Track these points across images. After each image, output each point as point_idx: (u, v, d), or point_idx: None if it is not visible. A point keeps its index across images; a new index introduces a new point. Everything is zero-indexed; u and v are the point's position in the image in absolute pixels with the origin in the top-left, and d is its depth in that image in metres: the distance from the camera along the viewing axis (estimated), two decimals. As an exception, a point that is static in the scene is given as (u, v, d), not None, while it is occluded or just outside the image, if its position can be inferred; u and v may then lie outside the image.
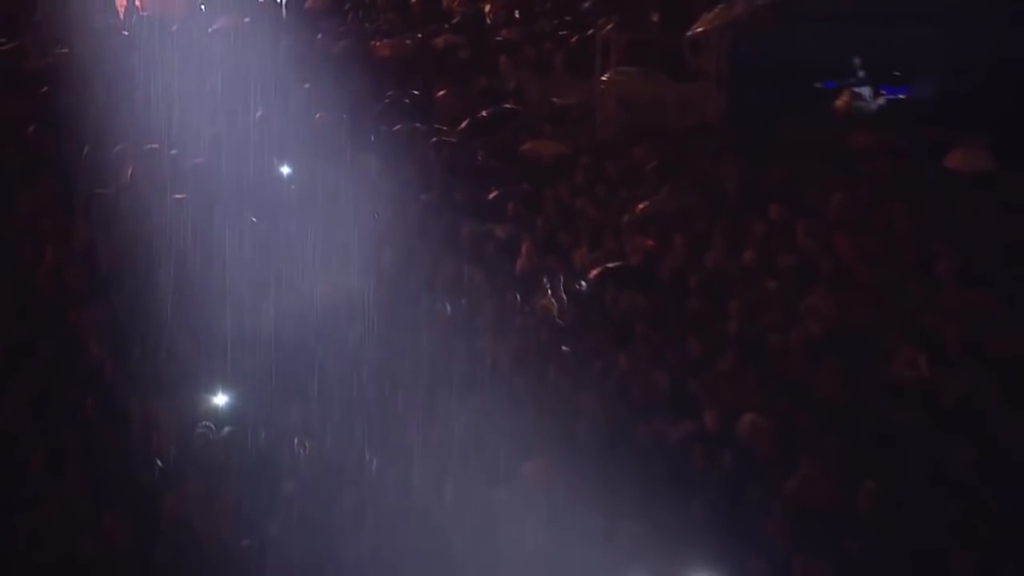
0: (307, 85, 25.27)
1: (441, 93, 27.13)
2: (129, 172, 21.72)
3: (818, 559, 13.97)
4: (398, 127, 24.81)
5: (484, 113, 25.89)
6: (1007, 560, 13.93)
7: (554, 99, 27.39)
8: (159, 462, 15.54)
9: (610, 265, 19.65)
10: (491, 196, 22.15)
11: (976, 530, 14.38)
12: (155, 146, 22.53)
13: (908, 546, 14.27)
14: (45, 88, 25.86)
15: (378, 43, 30.31)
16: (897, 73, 26.12)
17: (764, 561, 13.99)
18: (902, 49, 25.68)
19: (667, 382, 17.07)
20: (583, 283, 19.31)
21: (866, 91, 26.09)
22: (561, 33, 30.79)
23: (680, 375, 17.21)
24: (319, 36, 30.73)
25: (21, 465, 15.43)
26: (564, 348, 17.81)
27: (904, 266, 19.54)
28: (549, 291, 19.10)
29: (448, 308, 18.32)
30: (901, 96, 26.11)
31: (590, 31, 28.73)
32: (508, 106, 26.79)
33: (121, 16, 30.70)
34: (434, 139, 24.39)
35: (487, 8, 33.75)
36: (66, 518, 14.64)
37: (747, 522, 14.78)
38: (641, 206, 21.55)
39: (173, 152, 22.59)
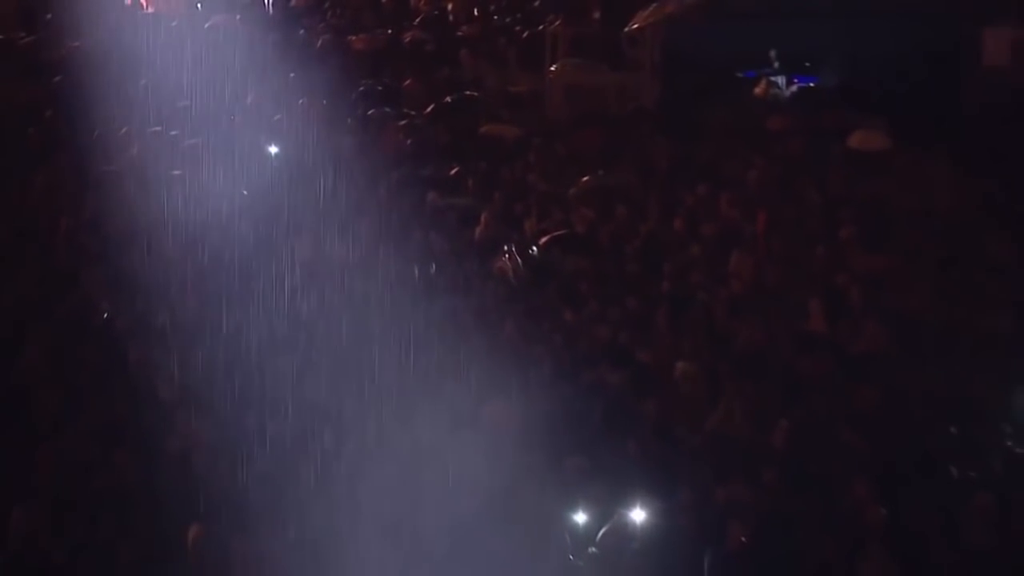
0: (292, 74, 25.25)
1: (408, 82, 27.14)
2: (134, 151, 21.72)
3: (738, 487, 14.07)
4: (372, 111, 24.84)
5: (447, 99, 25.90)
6: (901, 485, 14.05)
7: (508, 87, 27.39)
8: (162, 405, 15.58)
9: (558, 233, 19.70)
10: (453, 172, 22.20)
11: (875, 460, 14.54)
12: (156, 128, 22.53)
13: (816, 475, 14.39)
14: (59, 77, 25.81)
15: (354, 38, 30.24)
16: (807, 64, 26.27)
17: (691, 490, 14.06)
18: (811, 44, 25.84)
19: (608, 335, 17.18)
20: (534, 249, 19.35)
21: (781, 80, 26.26)
22: (515, 29, 30.83)
23: (619, 329, 17.32)
24: (302, 31, 30.75)
25: (41, 407, 15.45)
26: (518, 305, 17.87)
27: (813, 232, 19.65)
28: (505, 255, 19.16)
29: (416, 269, 18.37)
30: (810, 84, 26.23)
31: (540, 27, 28.78)
32: (468, 93, 26.80)
33: (127, 13, 30.59)
34: (403, 122, 24.39)
35: (449, 7, 33.75)
36: (81, 456, 14.67)
37: (676, 456, 14.90)
38: (585, 181, 21.61)
39: (172, 134, 22.60)
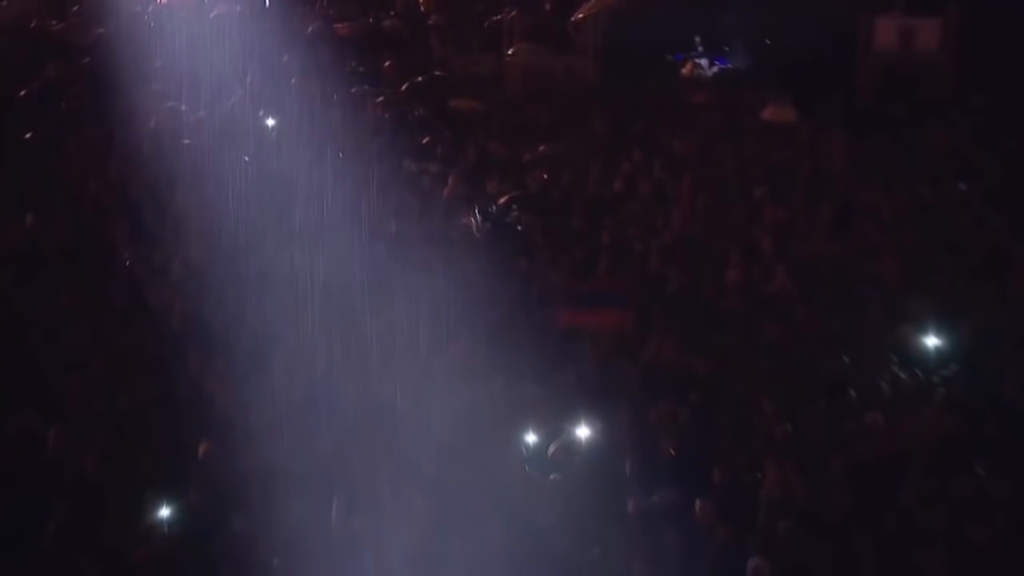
0: (285, 57, 25.16)
1: (387, 64, 27.06)
2: (151, 123, 21.67)
3: (668, 407, 14.22)
4: (354, 89, 24.78)
5: (419, 78, 25.83)
6: (802, 405, 14.23)
7: (472, 68, 27.34)
8: (176, 338, 15.68)
9: (515, 193, 19.75)
10: (425, 141, 22.18)
11: (781, 381, 14.71)
12: (170, 103, 22.47)
13: (732, 395, 14.57)
14: (87, 59, 25.68)
15: (339, 25, 30.10)
16: (726, 48, 26.29)
17: (629, 411, 14.22)
18: (730, 31, 25.87)
19: (558, 280, 17.26)
20: (495, 206, 19.40)
21: (704, 62, 26.27)
22: (477, 18, 30.70)
23: (567, 275, 17.40)
24: (295, 20, 30.58)
25: (72, 340, 15.51)
26: (480, 254, 17.92)
27: (731, 191, 19.74)
28: (469, 212, 19.20)
29: (393, 224, 18.40)
30: (729, 65, 26.27)
31: (498, 17, 28.70)
32: (437, 73, 26.74)
33: (144, 4, 30.40)
34: (381, 98, 24.34)
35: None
36: (107, 381, 14.75)
37: (615, 382, 15.02)
38: (539, 149, 21.65)
39: (183, 108, 22.55)
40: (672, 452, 13.60)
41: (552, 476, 13.24)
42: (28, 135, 21.36)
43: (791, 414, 14.00)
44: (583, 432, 13.65)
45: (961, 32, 24.42)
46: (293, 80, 23.95)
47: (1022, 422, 13.71)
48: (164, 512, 12.48)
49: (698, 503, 12.68)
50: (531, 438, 13.70)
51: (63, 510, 12.61)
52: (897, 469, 13.11)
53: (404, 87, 25.06)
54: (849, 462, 13.29)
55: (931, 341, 14.98)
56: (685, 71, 26.06)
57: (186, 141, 20.70)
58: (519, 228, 18.78)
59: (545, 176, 20.61)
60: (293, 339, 15.52)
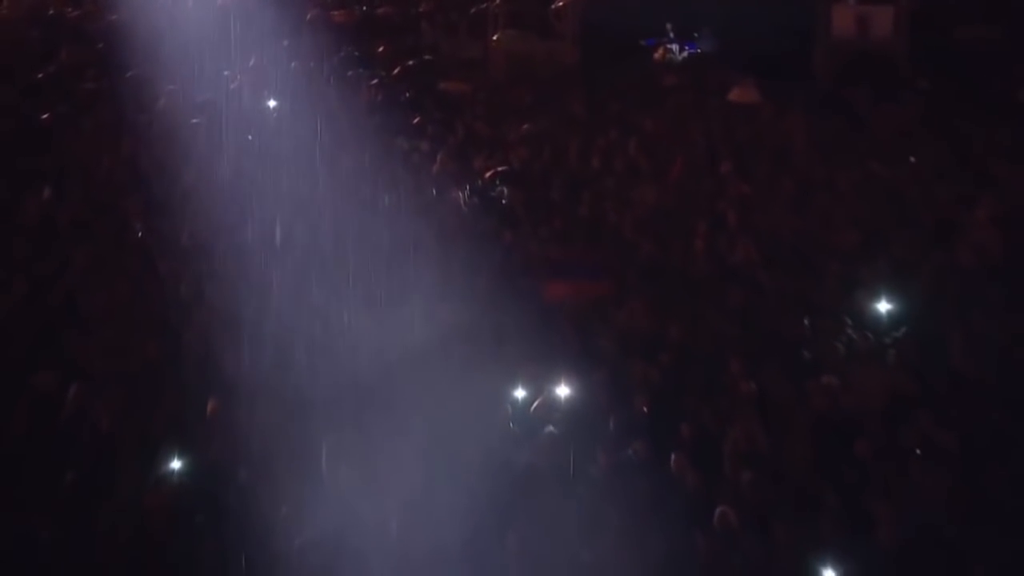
0: (285, 42, 25.07)
1: (380, 49, 26.97)
2: (161, 103, 21.60)
3: (641, 367, 14.26)
4: (350, 72, 24.70)
5: (410, 62, 25.75)
6: (766, 365, 14.28)
7: (459, 53, 27.26)
8: (185, 304, 15.70)
9: (499, 168, 19.72)
10: (415, 121, 22.11)
11: (746, 343, 14.75)
12: (178, 86, 22.39)
13: (701, 355, 14.61)
14: (101, 44, 25.54)
15: (336, 13, 29.97)
16: (695, 35, 26.26)
17: (606, 370, 14.26)
18: (699, 18, 25.83)
19: (539, 249, 17.26)
20: (480, 181, 19.38)
21: (675, 47, 26.23)
22: (464, 5, 30.57)
23: (548, 244, 17.41)
24: (294, 8, 30.42)
25: (87, 306, 15.51)
26: (468, 226, 17.93)
27: (700, 167, 19.74)
28: (457, 187, 19.18)
29: (386, 197, 18.37)
30: (698, 50, 26.24)
31: (484, 4, 28.61)
32: (427, 57, 26.65)
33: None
34: (375, 81, 24.26)
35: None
36: (120, 344, 14.79)
37: (592, 344, 15.05)
38: (522, 128, 21.60)
39: (191, 90, 22.46)
40: (645, 409, 13.64)
41: (533, 431, 13.26)
42: (45, 115, 21.25)
43: (755, 373, 14.05)
44: (563, 390, 13.68)
45: (912, 19, 24.40)
46: (293, 64, 23.83)
47: (966, 381, 13.79)
48: (174, 464, 12.52)
49: (672, 455, 12.75)
50: (516, 395, 13.73)
51: (81, 463, 12.67)
52: (852, 424, 13.18)
53: (396, 71, 24.95)
54: (809, 417, 13.38)
55: (884, 306, 15.03)
56: (657, 55, 26.01)
57: (193, 121, 20.60)
58: (503, 201, 18.74)
59: (527, 153, 20.47)
60: (292, 302, 15.51)
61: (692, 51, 26.08)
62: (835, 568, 11.30)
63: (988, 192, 17.33)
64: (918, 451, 12.65)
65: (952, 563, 11.40)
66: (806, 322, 15.08)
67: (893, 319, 14.91)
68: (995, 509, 11.98)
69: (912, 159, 19.07)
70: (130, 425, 13.26)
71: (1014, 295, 15.05)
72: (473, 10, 28.53)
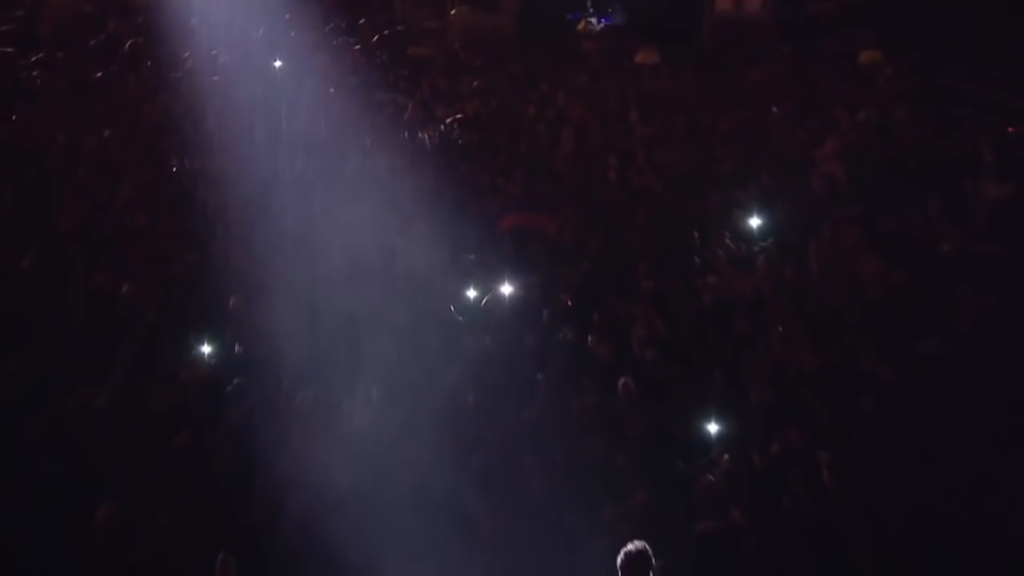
0: (287, 15, 24.61)
1: (361, 22, 26.52)
2: (189, 63, 21.22)
3: (568, 271, 14.29)
4: (337, 40, 24.32)
5: (386, 32, 25.37)
6: (663, 269, 14.27)
7: (424, 24, 26.86)
8: (211, 223, 15.56)
9: (457, 116, 19.53)
10: (390, 78, 21.87)
11: (649, 253, 14.73)
12: (203, 48, 22.00)
13: (613, 261, 14.60)
14: (141, 16, 24.90)
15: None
16: (610, 10, 25.97)
17: (539, 274, 14.27)
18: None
19: (488, 181, 17.14)
20: (442, 127, 19.21)
21: (593, 20, 25.95)
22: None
23: (492, 177, 17.31)
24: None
25: (134, 223, 15.39)
26: (430, 159, 17.79)
27: (612, 115, 19.64)
28: (423, 130, 19.04)
29: (367, 140, 18.18)
30: (611, 22, 25.97)
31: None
32: (399, 28, 26.26)
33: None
34: (358, 47, 23.92)
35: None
36: (162, 253, 14.68)
37: (529, 253, 15.00)
38: (474, 84, 21.38)
39: (212, 52, 22.00)
40: (569, 303, 13.69)
41: (482, 321, 13.35)
42: (99, 73, 20.92)
43: (656, 274, 14.11)
44: (506, 289, 13.70)
45: (777, -2, 24.34)
46: (291, 33, 23.45)
47: (816, 279, 13.89)
48: (206, 348, 12.52)
49: (589, 338, 12.83)
50: (469, 293, 13.76)
51: (132, 348, 12.64)
52: (731, 311, 13.29)
53: (374, 39, 24.59)
54: (696, 308, 13.48)
55: (755, 222, 15.09)
56: (580, 27, 25.69)
57: (215, 77, 20.30)
58: (460, 142, 18.57)
59: (478, 104, 20.26)
60: (295, 218, 15.40)
61: (607, 23, 25.79)
62: (717, 423, 11.43)
63: (833, 133, 17.34)
64: (780, 329, 12.74)
65: (807, 416, 11.55)
66: (695, 234, 15.09)
67: (762, 232, 14.96)
68: (836, 370, 12.18)
69: (775, 107, 19.02)
70: (170, 317, 13.26)
71: (854, 214, 15.14)
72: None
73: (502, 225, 15.83)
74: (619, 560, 8.32)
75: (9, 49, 22.32)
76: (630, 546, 8.36)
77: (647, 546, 8.37)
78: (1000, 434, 11.21)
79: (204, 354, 12.52)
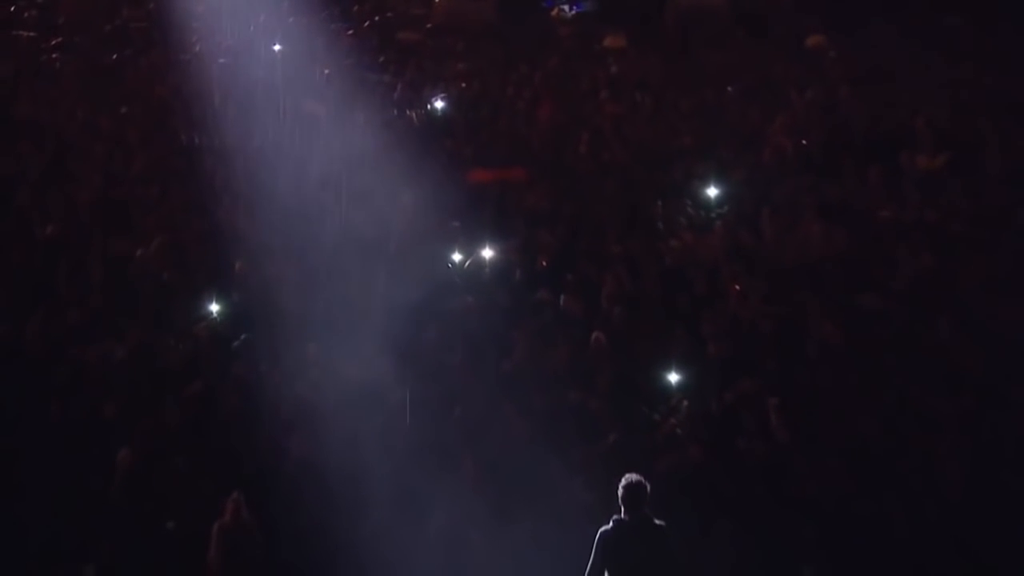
0: (286, 2, 24.32)
1: (355, 8, 26.27)
2: (198, 47, 21.01)
3: (544, 235, 14.23)
4: (332, 25, 24.07)
5: (376, 18, 25.15)
6: (631, 229, 14.28)
7: (412, 11, 26.60)
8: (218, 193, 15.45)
9: (441, 95, 19.35)
10: (380, 60, 21.68)
11: (617, 219, 14.69)
12: (209, 33, 21.76)
13: (585, 227, 14.51)
14: (152, 4, 24.60)
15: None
16: (580, -1, 25.74)
17: (519, 238, 14.20)
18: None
19: (469, 153, 17.05)
20: (428, 104, 19.06)
21: (566, 7, 25.73)
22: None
23: (467, 144, 17.21)
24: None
25: (148, 194, 15.30)
26: (416, 133, 17.69)
27: (584, 93, 19.57)
28: (411, 108, 18.92)
29: (360, 116, 18.01)
30: (583, 9, 25.75)
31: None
32: (388, 14, 26.00)
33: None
34: (351, 32, 23.73)
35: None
36: (173, 220, 14.57)
37: (509, 220, 14.88)
38: (457, 67, 21.23)
39: (219, 37, 21.82)
40: (544, 264, 13.68)
41: (466, 278, 13.37)
42: (113, 56, 20.71)
43: (623, 238, 14.09)
44: (488, 253, 13.66)
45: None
46: (290, 19, 23.23)
47: (768, 240, 13.93)
48: (214, 307, 12.50)
49: (562, 296, 12.84)
50: (455, 255, 13.73)
51: (146, 306, 12.62)
52: (690, 272, 13.32)
53: (366, 24, 24.38)
54: (660, 269, 13.49)
55: (712, 191, 15.07)
56: (554, 14, 25.55)
57: (221, 60, 20.11)
58: (445, 119, 18.45)
59: (462, 84, 20.13)
60: (293, 191, 15.23)
61: (579, 10, 25.62)
62: (678, 373, 11.48)
63: (783, 110, 17.33)
64: (737, 287, 12.78)
65: (758, 366, 11.62)
66: (659, 203, 15.08)
67: (719, 200, 14.95)
68: (785, 325, 12.25)
69: (730, 87, 18.98)
70: (181, 278, 13.20)
71: (802, 184, 15.15)
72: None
73: (476, 178, 15.85)
74: (620, 490, 8.28)
75: (31, 34, 22.07)
76: (630, 477, 8.35)
77: (643, 478, 8.39)
78: (931, 380, 11.34)
79: (213, 312, 12.50)
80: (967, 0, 20.60)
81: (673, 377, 11.43)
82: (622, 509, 8.33)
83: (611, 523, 8.35)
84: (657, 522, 8.33)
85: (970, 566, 9.56)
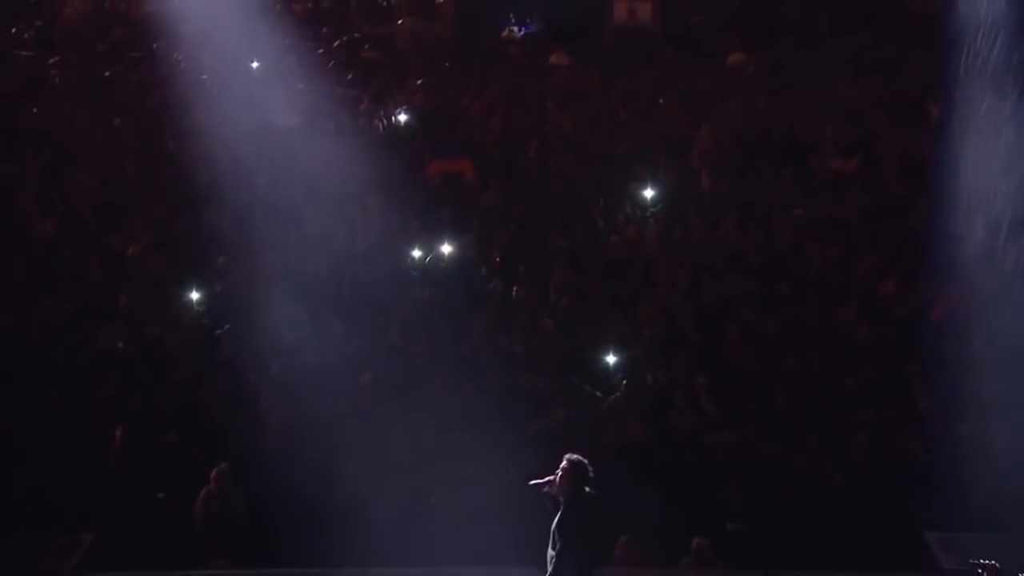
0: (263, 25, 23.94)
1: (324, 30, 25.59)
2: (182, 64, 20.65)
3: (496, 232, 14.19)
4: (305, 45, 23.61)
5: (345, 38, 24.33)
6: (575, 225, 14.22)
7: (377, 32, 26.08)
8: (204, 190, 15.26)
9: (405, 105, 18.87)
10: (348, 76, 21.24)
11: (563, 217, 14.62)
12: (194, 51, 21.40)
13: (533, 224, 14.43)
14: (142, 25, 24.14)
15: (296, 5, 28.17)
16: (528, 20, 25.29)
17: (474, 235, 14.09)
18: (530, 7, 24.76)
19: (429, 156, 16.87)
20: (391, 114, 18.75)
21: (516, 27, 25.39)
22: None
23: (435, 153, 17.12)
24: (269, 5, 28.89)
25: (143, 178, 15.32)
26: (383, 142, 17.44)
27: (532, 105, 19.34)
28: (377, 116, 18.75)
29: (331, 123, 17.78)
30: (531, 30, 25.34)
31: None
32: (356, 35, 24.94)
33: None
34: (322, 50, 23.07)
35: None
36: (162, 219, 14.48)
37: (464, 218, 14.76)
38: (418, 81, 20.95)
39: (203, 55, 21.44)
40: (498, 259, 13.64)
41: (425, 272, 13.28)
42: (107, 72, 20.40)
43: (569, 234, 14.09)
44: (447, 248, 13.57)
45: (663, 9, 24.10)
46: (267, 38, 22.89)
47: (697, 233, 13.97)
48: (199, 298, 12.46)
49: (514, 288, 12.84)
50: (416, 251, 13.62)
51: (139, 298, 12.51)
52: (629, 262, 13.37)
53: (336, 43, 24.09)
54: (602, 260, 13.50)
55: (647, 191, 15.05)
56: (505, 34, 25.32)
57: (203, 76, 19.83)
58: (408, 125, 18.30)
59: (421, 96, 19.93)
60: (269, 193, 15.02)
61: (527, 30, 25.43)
62: (619, 354, 11.53)
63: (708, 119, 17.37)
64: (667, 278, 12.83)
65: (689, 347, 11.68)
66: (600, 202, 15.08)
67: (653, 198, 14.97)
68: (710, 310, 12.31)
69: (662, 99, 18.98)
70: (170, 272, 13.07)
71: (721, 183, 15.16)
72: (384, 3, 27.37)
73: (430, 170, 15.73)
74: (563, 465, 7.45)
75: (31, 52, 21.69)
76: (572, 456, 7.54)
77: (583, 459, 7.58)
78: (835, 356, 11.54)
79: (198, 303, 12.39)
80: (869, 20, 20.77)
81: (614, 358, 11.48)
82: (566, 484, 7.45)
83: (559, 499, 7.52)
84: (591, 492, 7.54)
85: (873, 521, 9.67)
